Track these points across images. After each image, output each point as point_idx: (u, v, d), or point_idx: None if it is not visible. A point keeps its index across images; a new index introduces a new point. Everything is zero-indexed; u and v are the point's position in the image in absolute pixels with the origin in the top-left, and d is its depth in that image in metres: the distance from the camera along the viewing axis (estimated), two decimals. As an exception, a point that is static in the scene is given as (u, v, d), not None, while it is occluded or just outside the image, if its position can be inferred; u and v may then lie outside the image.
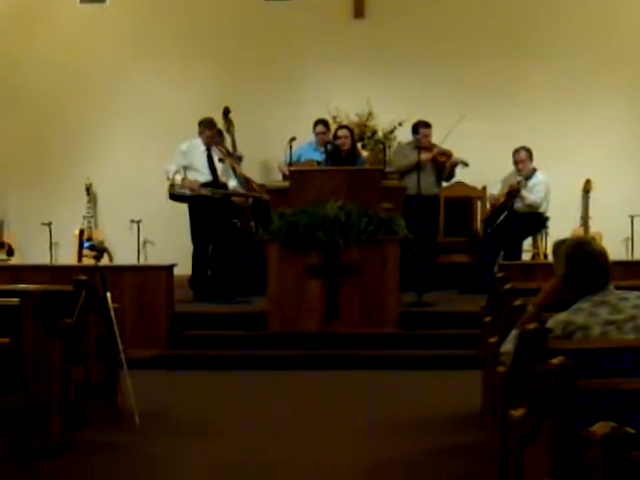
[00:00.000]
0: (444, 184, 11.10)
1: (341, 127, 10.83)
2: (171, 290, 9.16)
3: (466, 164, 10.51)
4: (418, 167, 9.87)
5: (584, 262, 4.27)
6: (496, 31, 12.00)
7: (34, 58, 12.47)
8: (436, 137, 10.60)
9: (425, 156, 10.27)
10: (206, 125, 10.31)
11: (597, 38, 11.93)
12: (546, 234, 11.04)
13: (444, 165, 10.62)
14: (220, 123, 10.85)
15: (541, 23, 11.99)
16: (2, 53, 12.45)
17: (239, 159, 11.18)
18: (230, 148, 11.06)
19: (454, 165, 10.61)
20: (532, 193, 10.64)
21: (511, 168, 10.86)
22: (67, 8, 12.48)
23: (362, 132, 11.61)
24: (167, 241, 11.44)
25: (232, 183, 10.50)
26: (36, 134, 12.41)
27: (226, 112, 11.12)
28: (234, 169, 10.66)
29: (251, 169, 11.47)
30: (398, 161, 10.65)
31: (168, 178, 10.15)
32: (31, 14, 12.44)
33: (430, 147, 10.53)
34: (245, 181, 10.96)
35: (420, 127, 10.62)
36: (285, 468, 5.59)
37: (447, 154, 10.56)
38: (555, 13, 11.99)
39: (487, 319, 6.31)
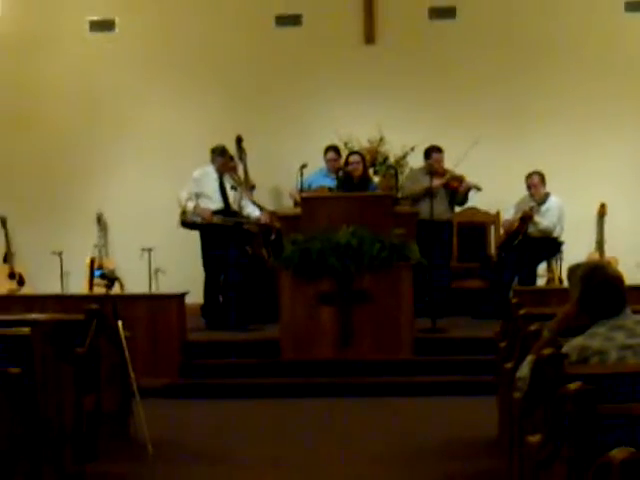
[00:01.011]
0: (457, 209, 11.07)
1: (353, 153, 10.81)
2: (183, 318, 9.12)
3: (479, 188, 10.47)
4: (430, 194, 9.88)
5: (599, 286, 4.22)
6: (509, 56, 11.97)
7: (43, 86, 12.48)
8: (448, 162, 10.57)
9: (436, 182, 10.26)
10: (218, 153, 10.30)
11: (611, 63, 11.89)
12: (561, 259, 10.95)
13: (457, 190, 10.59)
14: (233, 151, 10.83)
15: (555, 48, 11.95)
16: (12, 80, 12.47)
17: (252, 188, 11.16)
18: (242, 176, 11.03)
19: (467, 190, 10.57)
20: (545, 218, 10.60)
21: (524, 193, 10.83)
22: (77, 36, 12.50)
23: (374, 158, 11.57)
24: (178, 269, 11.40)
25: (256, 213, 10.44)
26: (46, 163, 12.41)
27: (239, 140, 11.10)
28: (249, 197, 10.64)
29: (262, 196, 11.45)
30: (409, 187, 10.62)
31: (180, 205, 10.14)
32: (41, 41, 12.46)
33: (442, 172, 10.50)
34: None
35: (432, 152, 10.61)
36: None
37: (459, 179, 10.53)
38: (570, 38, 11.95)
39: (502, 344, 6.26)
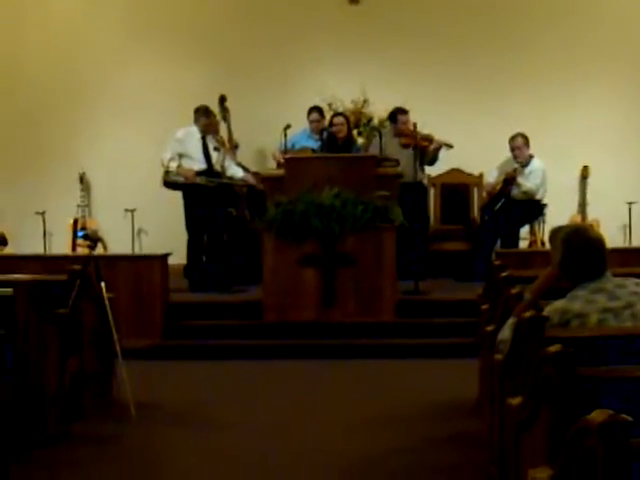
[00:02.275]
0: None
1: (337, 114, 10.80)
2: (166, 279, 9.12)
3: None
4: (416, 160, 9.90)
5: (581, 249, 4.23)
6: (493, 17, 11.94)
7: (24, 47, 12.40)
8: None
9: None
10: (202, 113, 10.26)
11: (596, 25, 11.87)
12: (543, 221, 10.98)
13: (426, 150, 10.49)
14: (216, 111, 10.76)
15: (540, 8, 11.93)
16: (-7, 42, 12.41)
17: (235, 147, 11.11)
18: (226, 136, 10.98)
19: (437, 149, 10.48)
20: (528, 180, 10.60)
21: (508, 154, 10.83)
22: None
23: (357, 119, 11.56)
24: (161, 230, 11.37)
25: (239, 173, 10.42)
26: (29, 123, 12.34)
27: (222, 100, 10.97)
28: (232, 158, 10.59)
29: (246, 157, 11.42)
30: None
31: (163, 165, 10.10)
32: (22, 4, 12.36)
33: (410, 133, 10.41)
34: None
35: (398, 114, 10.59)
36: (282, 457, 5.58)
37: (429, 138, 10.44)
38: (548, 2, 11.93)
39: (484, 307, 6.28)
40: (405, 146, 10.28)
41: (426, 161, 10.66)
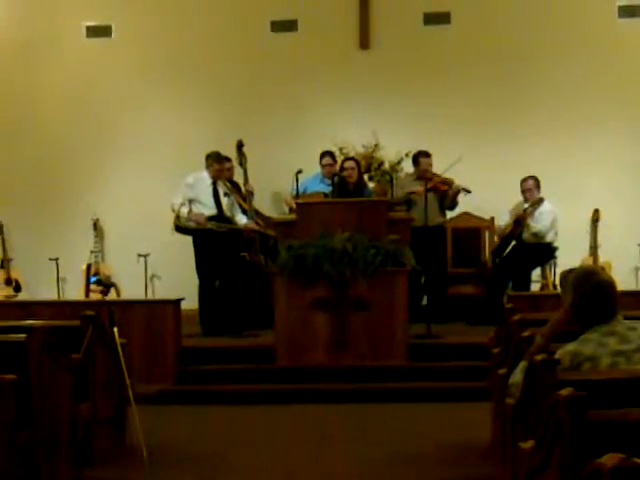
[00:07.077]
0: (451, 214, 11.11)
1: (347, 159, 10.84)
2: (179, 324, 9.12)
3: (468, 191, 10.48)
4: (425, 199, 9.91)
5: (591, 292, 4.24)
6: (502, 61, 12.03)
7: (40, 92, 12.54)
8: (441, 167, 10.59)
9: (418, 188, 10.30)
10: (214, 158, 10.26)
11: (605, 68, 11.95)
12: (555, 264, 10.99)
13: (446, 194, 10.61)
14: (233, 156, 10.78)
15: (548, 54, 12.01)
16: (8, 86, 12.54)
17: (250, 193, 11.03)
18: (242, 181, 10.95)
19: (456, 193, 10.59)
20: (538, 222, 10.60)
21: (518, 199, 10.85)
22: (73, 41, 12.57)
23: (368, 163, 11.61)
24: (175, 275, 11.42)
25: (243, 220, 10.42)
26: (43, 169, 12.45)
27: (240, 145, 10.84)
28: (240, 204, 10.60)
29: (259, 202, 11.45)
30: (395, 193, 10.66)
31: (173, 210, 10.12)
32: (38, 47, 12.53)
33: (431, 177, 10.51)
34: (256, 214, 10.89)
35: (420, 157, 10.68)
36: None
37: (448, 182, 10.56)
38: (561, 44, 12.02)
39: (496, 350, 6.27)
40: (426, 189, 10.34)
41: (446, 205, 10.75)
